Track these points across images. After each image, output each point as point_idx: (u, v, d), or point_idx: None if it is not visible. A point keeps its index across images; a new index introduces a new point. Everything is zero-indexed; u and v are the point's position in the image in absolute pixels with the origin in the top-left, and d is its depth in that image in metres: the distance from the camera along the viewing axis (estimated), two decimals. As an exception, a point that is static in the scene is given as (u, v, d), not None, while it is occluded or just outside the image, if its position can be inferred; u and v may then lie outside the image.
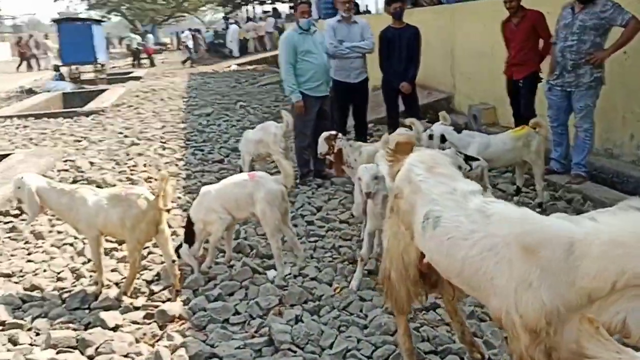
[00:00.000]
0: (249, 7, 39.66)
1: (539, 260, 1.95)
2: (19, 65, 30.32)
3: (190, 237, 4.32)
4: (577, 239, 1.88)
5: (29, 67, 30.12)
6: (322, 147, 5.07)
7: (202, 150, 8.44)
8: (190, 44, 27.57)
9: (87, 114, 12.41)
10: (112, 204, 3.87)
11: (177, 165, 7.73)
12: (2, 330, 3.59)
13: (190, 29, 32.28)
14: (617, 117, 6.23)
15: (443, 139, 5.33)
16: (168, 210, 4.01)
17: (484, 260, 2.21)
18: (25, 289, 4.15)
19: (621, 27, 5.31)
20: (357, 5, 12.62)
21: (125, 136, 9.76)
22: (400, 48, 7.00)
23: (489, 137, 5.55)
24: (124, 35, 49.61)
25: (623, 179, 5.91)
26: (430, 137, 5.31)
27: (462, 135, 5.46)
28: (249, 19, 34.81)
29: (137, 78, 21.43)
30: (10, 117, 12.22)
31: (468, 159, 4.83)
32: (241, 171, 6.50)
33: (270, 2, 35.62)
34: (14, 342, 3.45)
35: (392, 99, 7.29)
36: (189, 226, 4.33)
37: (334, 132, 5.27)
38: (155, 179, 6.94)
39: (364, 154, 4.97)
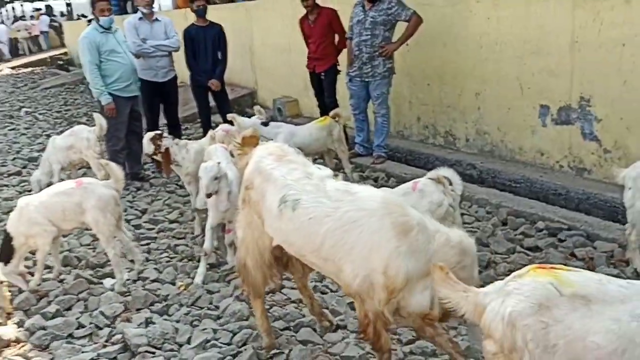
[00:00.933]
0: (15, 4, 35.91)
1: (408, 239, 2.42)
2: None
3: (5, 254, 3.98)
4: (436, 232, 2.49)
5: None
6: (147, 147, 4.97)
7: (-7, 164, 7.65)
8: None
9: None
10: None
11: (-34, 182, 6.90)
12: None
13: None
14: (405, 102, 7.08)
15: None
16: None
17: (346, 232, 2.49)
18: None
19: (405, 21, 6.05)
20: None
21: None
22: (206, 46, 7.04)
23: (295, 127, 6.00)
24: None
25: (415, 156, 6.76)
26: (240, 130, 5.53)
27: (269, 127, 5.82)
28: (18, 18, 31.53)
29: None
30: None
31: (283, 148, 5.15)
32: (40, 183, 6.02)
33: (40, -2, 32.69)
34: None
35: (202, 96, 7.34)
36: (6, 242, 3.99)
37: (159, 132, 5.20)
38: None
39: (192, 152, 4.99)
